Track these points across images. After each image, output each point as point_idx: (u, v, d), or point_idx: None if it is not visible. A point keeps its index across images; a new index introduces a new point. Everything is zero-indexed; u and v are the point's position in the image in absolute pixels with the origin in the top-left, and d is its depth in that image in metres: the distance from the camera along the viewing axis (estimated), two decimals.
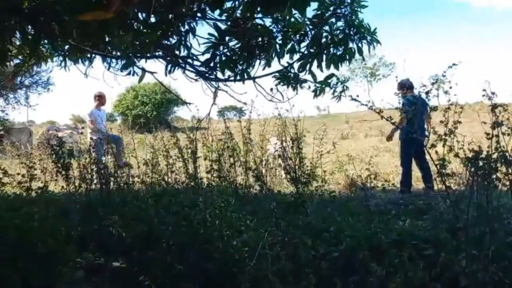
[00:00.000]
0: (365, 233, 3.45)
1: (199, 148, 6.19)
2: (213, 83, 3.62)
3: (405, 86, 6.69)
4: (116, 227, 3.69)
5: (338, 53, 3.61)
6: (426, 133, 6.27)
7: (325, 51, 3.61)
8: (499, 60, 73.95)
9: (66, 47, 3.90)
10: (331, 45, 3.60)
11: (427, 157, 5.01)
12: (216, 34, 3.01)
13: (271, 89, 3.68)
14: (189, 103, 4.75)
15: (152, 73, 3.57)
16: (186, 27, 3.24)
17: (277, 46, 3.29)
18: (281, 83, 3.73)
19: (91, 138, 7.54)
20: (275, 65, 3.65)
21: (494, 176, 2.91)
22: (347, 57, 3.54)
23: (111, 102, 27.12)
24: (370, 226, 3.69)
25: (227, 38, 3.03)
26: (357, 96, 3.35)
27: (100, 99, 8.87)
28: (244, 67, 3.34)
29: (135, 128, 28.02)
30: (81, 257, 3.41)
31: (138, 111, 26.38)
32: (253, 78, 3.47)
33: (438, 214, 3.84)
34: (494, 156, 2.93)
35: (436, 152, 3.24)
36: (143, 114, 25.82)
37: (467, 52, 66.18)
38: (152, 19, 3.08)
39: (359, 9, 3.44)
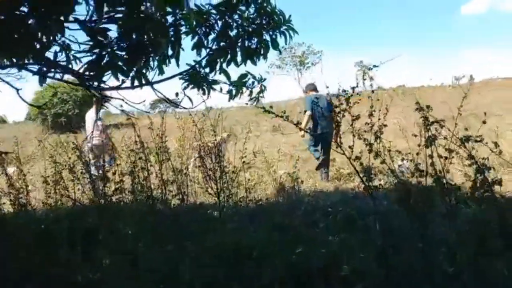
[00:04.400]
0: (286, 259, 3.02)
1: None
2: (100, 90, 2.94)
3: (308, 88, 8.09)
4: None
5: (253, 46, 3.11)
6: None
7: (237, 45, 3.10)
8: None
9: None
10: (244, 37, 3.09)
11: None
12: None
13: (177, 94, 3.10)
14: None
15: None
16: None
17: (170, 42, 2.67)
18: (190, 86, 3.15)
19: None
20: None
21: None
22: (262, 52, 3.04)
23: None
24: (296, 246, 3.31)
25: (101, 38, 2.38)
26: (271, 107, 2.99)
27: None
28: (138, 71, 2.72)
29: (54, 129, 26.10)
30: None
31: (58, 109, 24.44)
32: (151, 83, 2.86)
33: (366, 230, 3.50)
34: None
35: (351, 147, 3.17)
36: (63, 112, 23.96)
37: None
38: None
39: None
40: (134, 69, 2.72)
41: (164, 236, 3.94)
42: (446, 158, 2.86)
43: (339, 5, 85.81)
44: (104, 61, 2.42)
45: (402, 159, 4.06)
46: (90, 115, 8.05)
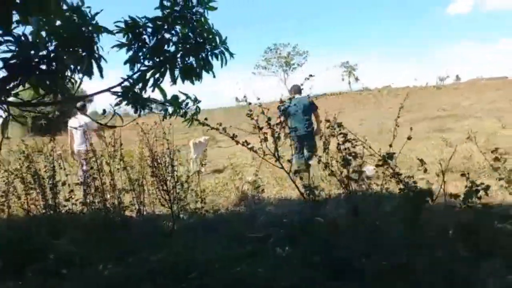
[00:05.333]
0: (228, 276, 2.92)
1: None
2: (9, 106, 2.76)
3: (292, 90, 8.03)
4: None
5: (190, 65, 2.99)
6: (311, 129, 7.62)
7: (175, 62, 2.97)
8: None
9: None
10: (182, 55, 2.97)
11: None
12: None
13: (104, 111, 2.97)
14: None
15: None
16: None
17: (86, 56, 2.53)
18: (123, 102, 3.01)
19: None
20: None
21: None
22: (197, 71, 2.92)
23: None
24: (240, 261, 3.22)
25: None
26: (206, 119, 2.87)
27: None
28: (58, 84, 2.59)
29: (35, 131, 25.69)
30: None
31: (37, 112, 24.01)
32: (73, 99, 2.73)
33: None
34: None
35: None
36: (43, 115, 23.60)
37: None
38: None
39: (206, 12, 2.84)
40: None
41: (105, 251, 3.82)
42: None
43: (331, 5, 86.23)
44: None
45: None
46: (73, 123, 7.93)
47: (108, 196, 4.96)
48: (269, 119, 3.09)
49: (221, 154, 11.21)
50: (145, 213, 5.12)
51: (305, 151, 7.53)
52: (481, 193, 3.07)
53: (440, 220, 3.09)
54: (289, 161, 3.45)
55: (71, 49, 2.44)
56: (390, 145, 3.13)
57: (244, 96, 3.21)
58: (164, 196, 4.54)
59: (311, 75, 3.23)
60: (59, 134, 18.12)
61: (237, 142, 3.22)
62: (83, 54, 2.53)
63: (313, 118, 7.74)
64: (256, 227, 4.34)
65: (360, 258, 3.02)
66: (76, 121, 7.84)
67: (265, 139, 3.10)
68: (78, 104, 7.81)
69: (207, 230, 4.35)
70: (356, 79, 50.26)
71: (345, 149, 2.99)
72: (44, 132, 22.32)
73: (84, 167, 5.30)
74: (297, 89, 7.90)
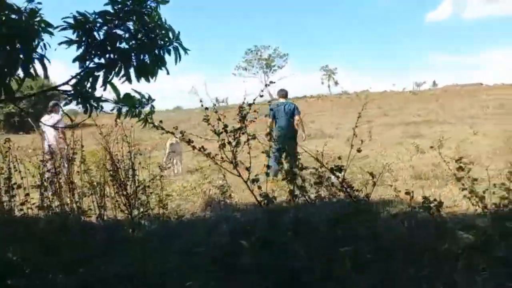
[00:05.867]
0: None
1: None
2: None
3: (278, 94, 8.44)
4: None
5: (145, 61, 2.85)
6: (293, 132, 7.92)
7: (130, 59, 2.83)
8: None
9: None
10: (135, 52, 2.83)
11: None
12: None
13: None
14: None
15: None
16: None
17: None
18: (73, 102, 2.85)
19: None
20: None
21: None
22: (151, 68, 2.78)
23: None
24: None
25: None
26: (161, 121, 2.73)
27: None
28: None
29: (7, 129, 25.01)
30: None
31: (10, 108, 23.38)
32: (17, 99, 2.56)
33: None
34: None
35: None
36: (16, 112, 22.96)
37: None
38: None
39: (158, 6, 2.71)
40: None
41: (59, 258, 3.63)
42: None
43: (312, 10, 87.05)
44: None
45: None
46: (44, 121, 7.67)
47: (68, 200, 4.77)
48: (225, 126, 2.96)
49: (200, 156, 10.99)
50: (106, 218, 4.92)
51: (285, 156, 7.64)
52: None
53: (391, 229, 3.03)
54: (268, 166, 3.28)
55: (8, 47, 2.28)
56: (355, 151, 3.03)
57: (200, 100, 3.09)
58: (124, 201, 4.36)
59: (272, 82, 3.15)
60: (32, 132, 17.72)
61: (194, 148, 3.09)
62: (21, 52, 2.36)
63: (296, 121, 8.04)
64: (218, 235, 4.21)
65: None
66: (48, 120, 7.60)
67: (223, 145, 2.98)
68: (51, 103, 7.62)
69: (167, 237, 4.19)
70: (336, 83, 50.71)
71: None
72: (17, 129, 21.78)
73: (48, 166, 5.08)
74: (282, 94, 8.38)
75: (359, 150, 2.93)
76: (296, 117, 7.99)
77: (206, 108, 3.09)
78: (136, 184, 4.42)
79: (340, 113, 27.71)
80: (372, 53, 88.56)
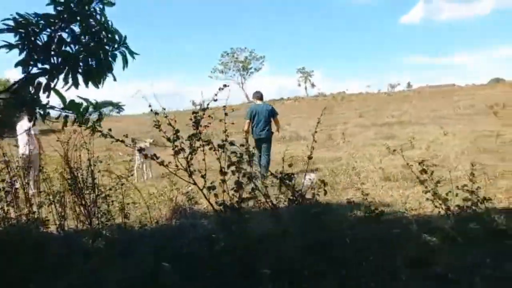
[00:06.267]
0: None
1: None
2: None
3: (254, 96, 8.82)
4: None
5: (93, 66, 2.72)
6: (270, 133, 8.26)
7: (77, 64, 2.69)
8: None
9: None
10: (83, 56, 2.69)
11: None
12: None
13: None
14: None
15: None
16: None
17: None
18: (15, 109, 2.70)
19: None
20: None
21: None
22: (97, 73, 2.65)
23: None
24: None
25: None
26: (110, 129, 2.61)
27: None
28: None
29: None
30: None
31: None
32: None
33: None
34: None
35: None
36: None
37: None
38: None
39: (104, 8, 2.58)
40: None
41: (10, 273, 3.45)
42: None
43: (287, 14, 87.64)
44: None
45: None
46: (19, 126, 7.40)
47: (26, 210, 4.56)
48: (177, 131, 2.85)
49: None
50: (66, 228, 4.74)
51: (262, 156, 8.07)
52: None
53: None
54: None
55: None
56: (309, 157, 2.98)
57: (149, 105, 2.98)
58: (83, 211, 4.20)
59: (225, 85, 3.06)
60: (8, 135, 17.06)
61: (146, 156, 2.98)
62: None
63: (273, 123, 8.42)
64: (182, 244, 4.08)
65: None
66: (23, 125, 7.35)
67: (177, 152, 2.88)
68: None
69: (128, 248, 4.05)
70: (312, 85, 51.07)
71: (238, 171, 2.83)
72: None
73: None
74: (257, 96, 8.70)
75: (310, 157, 2.91)
76: (275, 119, 8.43)
77: (156, 113, 2.98)
78: (96, 193, 4.26)
79: (316, 115, 27.83)
80: (347, 54, 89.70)
